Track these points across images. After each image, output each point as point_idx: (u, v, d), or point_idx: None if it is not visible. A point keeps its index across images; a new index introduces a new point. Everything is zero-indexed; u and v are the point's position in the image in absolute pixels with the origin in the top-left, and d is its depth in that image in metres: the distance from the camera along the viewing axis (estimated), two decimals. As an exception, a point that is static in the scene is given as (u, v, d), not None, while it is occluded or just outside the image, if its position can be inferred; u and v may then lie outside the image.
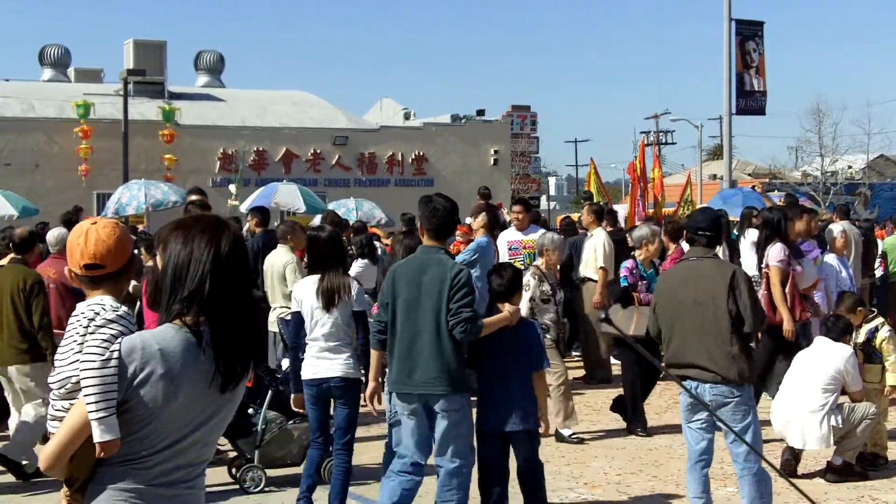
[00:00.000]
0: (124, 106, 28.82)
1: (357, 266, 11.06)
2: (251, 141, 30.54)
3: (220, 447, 7.81)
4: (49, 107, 30.12)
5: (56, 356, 3.10)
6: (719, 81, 27.34)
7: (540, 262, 9.34)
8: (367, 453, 8.65)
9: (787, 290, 9.28)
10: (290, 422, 7.89)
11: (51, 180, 28.21)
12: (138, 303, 8.86)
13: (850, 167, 43.51)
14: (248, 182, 26.71)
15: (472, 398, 6.35)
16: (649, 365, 9.02)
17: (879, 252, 15.32)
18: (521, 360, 6.38)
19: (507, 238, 11.70)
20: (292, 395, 7.08)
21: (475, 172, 33.32)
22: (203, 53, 36.51)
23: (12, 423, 8.39)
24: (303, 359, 6.91)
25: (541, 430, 6.48)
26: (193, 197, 10.32)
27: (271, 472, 7.84)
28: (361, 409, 7.03)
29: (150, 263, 7.39)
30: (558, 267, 9.97)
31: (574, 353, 14.10)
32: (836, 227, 12.13)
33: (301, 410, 7.16)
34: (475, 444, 6.34)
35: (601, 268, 12.17)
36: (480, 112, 37.26)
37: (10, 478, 8.25)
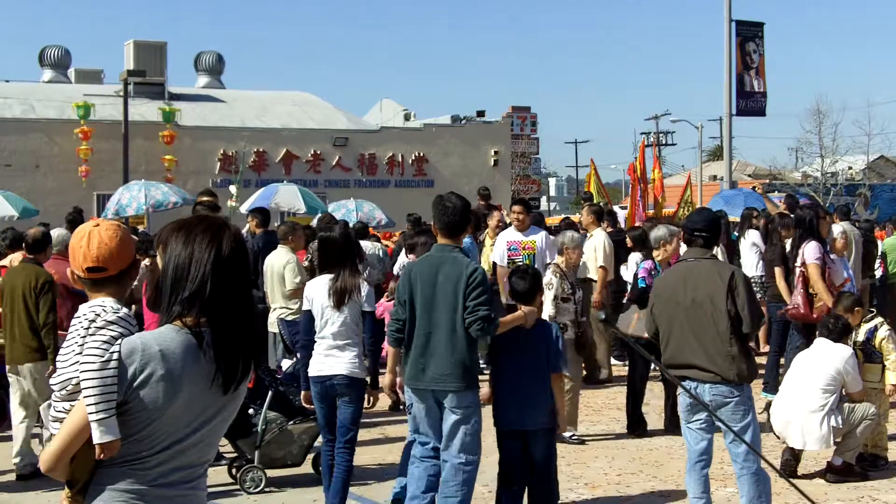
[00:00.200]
0: (124, 107, 28.83)
1: None
2: (251, 142, 30.54)
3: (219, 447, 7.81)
4: (49, 108, 30.14)
5: (58, 357, 3.11)
6: (719, 82, 27.37)
7: (559, 260, 9.37)
8: (367, 453, 8.65)
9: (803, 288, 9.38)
10: (290, 422, 7.89)
11: (51, 181, 28.23)
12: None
13: (850, 168, 43.53)
14: (249, 183, 26.72)
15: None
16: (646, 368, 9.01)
17: (879, 253, 15.32)
18: (539, 360, 6.48)
19: (507, 238, 11.65)
20: (302, 393, 7.16)
21: (475, 173, 33.33)
22: (203, 54, 36.52)
23: (19, 427, 8.36)
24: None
25: (558, 430, 6.60)
26: (204, 198, 10.18)
27: (271, 473, 7.84)
28: (365, 410, 7.09)
29: (144, 262, 7.37)
30: (578, 265, 9.92)
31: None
32: (837, 228, 12.12)
33: (310, 406, 7.22)
34: (482, 442, 6.42)
35: (601, 267, 12.17)
36: (481, 113, 37.29)
37: (10, 477, 8.25)
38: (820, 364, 7.93)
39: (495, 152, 34.74)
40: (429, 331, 6.19)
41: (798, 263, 9.61)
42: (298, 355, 7.97)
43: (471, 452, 6.20)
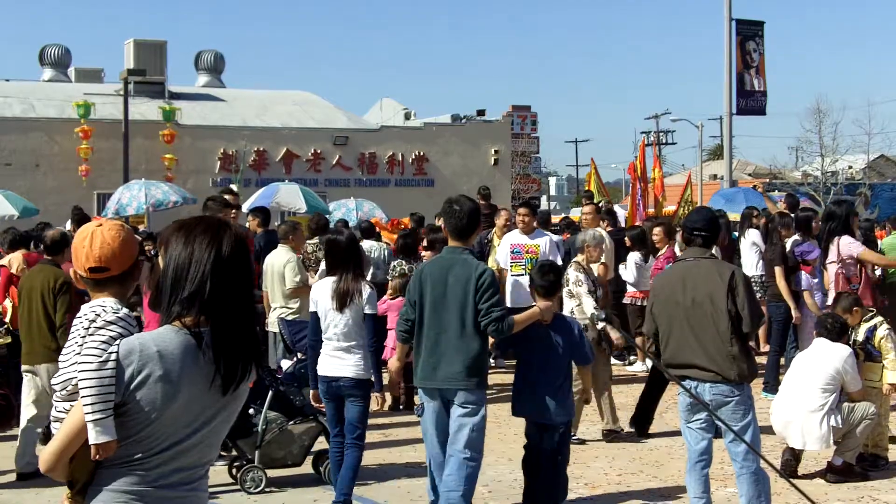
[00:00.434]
0: (125, 106, 28.82)
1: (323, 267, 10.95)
2: (251, 141, 30.53)
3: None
4: (49, 107, 30.14)
5: (60, 357, 3.11)
6: (720, 81, 27.35)
7: (581, 258, 9.38)
8: (367, 454, 8.65)
9: (861, 278, 9.40)
10: (291, 422, 7.89)
11: (51, 180, 28.23)
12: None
13: (850, 167, 43.53)
14: (249, 182, 26.72)
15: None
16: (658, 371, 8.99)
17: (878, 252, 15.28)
18: (557, 354, 6.68)
19: (511, 241, 11.46)
20: (311, 392, 7.30)
21: (475, 172, 33.31)
22: (203, 53, 36.50)
23: (27, 426, 8.35)
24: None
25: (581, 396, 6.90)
26: (230, 196, 9.74)
27: (272, 473, 7.84)
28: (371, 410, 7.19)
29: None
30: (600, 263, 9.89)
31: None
32: (837, 228, 12.13)
33: (320, 405, 7.35)
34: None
35: (602, 264, 12.17)
36: (481, 112, 37.28)
37: (10, 477, 8.26)
38: (819, 364, 7.93)
39: (495, 151, 34.72)
40: (439, 331, 6.35)
41: (832, 259, 9.56)
42: (299, 355, 7.99)
43: (475, 449, 6.32)
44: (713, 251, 6.61)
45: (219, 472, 7.84)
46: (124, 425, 2.84)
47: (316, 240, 12.29)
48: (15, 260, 10.30)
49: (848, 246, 9.64)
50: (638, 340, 12.27)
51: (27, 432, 8.29)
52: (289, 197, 19.41)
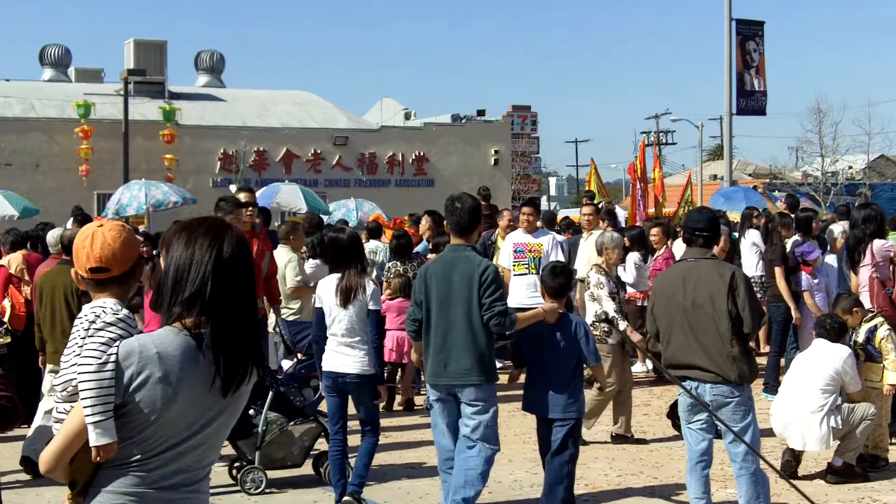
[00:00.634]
0: (125, 106, 28.82)
1: (309, 266, 10.97)
2: (252, 141, 30.52)
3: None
4: (49, 107, 30.13)
5: (61, 358, 3.11)
6: (720, 81, 27.40)
7: (600, 260, 9.38)
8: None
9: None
10: (291, 423, 7.89)
11: (51, 180, 28.22)
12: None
13: (850, 167, 43.54)
14: (249, 182, 26.70)
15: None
16: None
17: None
18: (561, 354, 6.76)
19: (514, 240, 11.35)
20: (319, 384, 7.45)
21: (476, 173, 33.31)
22: (203, 53, 36.49)
23: (44, 417, 8.35)
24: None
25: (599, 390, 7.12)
26: (242, 196, 9.64)
27: (272, 474, 7.84)
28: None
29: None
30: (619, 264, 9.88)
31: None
32: (837, 228, 12.14)
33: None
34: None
35: (593, 265, 12.14)
36: (481, 112, 37.27)
37: (15, 476, 8.26)
38: (819, 364, 7.92)
39: (496, 151, 34.72)
40: (446, 328, 6.45)
41: (867, 262, 9.56)
42: (300, 356, 7.98)
43: (491, 442, 6.45)
44: (714, 252, 6.59)
45: (219, 473, 7.84)
46: (124, 427, 2.84)
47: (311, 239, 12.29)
48: (14, 260, 10.30)
49: (883, 248, 9.65)
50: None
51: (42, 428, 8.27)
52: (289, 197, 19.42)
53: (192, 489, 2.94)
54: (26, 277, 10.00)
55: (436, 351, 6.50)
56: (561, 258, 11.05)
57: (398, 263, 11.31)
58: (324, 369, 7.13)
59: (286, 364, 8.14)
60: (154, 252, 10.61)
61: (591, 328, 7.78)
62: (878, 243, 9.64)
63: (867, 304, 9.30)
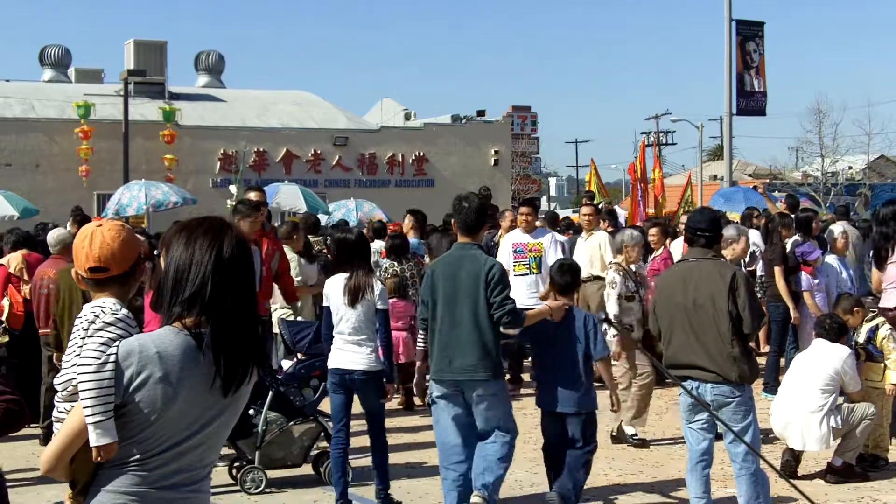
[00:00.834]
0: (125, 106, 28.82)
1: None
2: (252, 141, 30.52)
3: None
4: (49, 107, 30.13)
5: (63, 358, 3.11)
6: (720, 82, 27.37)
7: (620, 259, 9.37)
8: (367, 454, 8.65)
9: None
10: (291, 423, 7.89)
11: (51, 181, 28.22)
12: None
13: (850, 168, 43.54)
14: (249, 182, 26.67)
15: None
16: None
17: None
18: (570, 348, 6.84)
19: (513, 240, 11.27)
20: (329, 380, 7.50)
21: (476, 173, 33.30)
22: (203, 54, 36.49)
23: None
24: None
25: (613, 409, 7.13)
26: (252, 196, 9.54)
27: (272, 474, 7.84)
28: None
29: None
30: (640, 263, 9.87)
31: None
32: (837, 228, 12.14)
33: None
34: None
35: (611, 263, 12.14)
36: (481, 112, 37.27)
37: (15, 476, 8.25)
38: (818, 364, 7.93)
39: (496, 152, 34.72)
40: (452, 325, 6.54)
41: (895, 259, 9.57)
42: (300, 355, 7.99)
43: (507, 431, 6.58)
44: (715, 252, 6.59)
45: (219, 473, 7.84)
46: (125, 426, 2.84)
47: (308, 238, 12.31)
48: (14, 260, 10.30)
49: None
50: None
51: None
52: (289, 197, 19.44)
53: (192, 489, 2.94)
54: (26, 277, 10.01)
55: (441, 347, 6.58)
56: (561, 257, 11.03)
57: (395, 264, 11.33)
58: (330, 367, 7.20)
59: (286, 364, 8.14)
60: (154, 252, 10.62)
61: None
62: None
63: (892, 303, 9.29)
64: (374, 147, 32.73)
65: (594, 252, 12.27)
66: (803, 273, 11.04)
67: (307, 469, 8.07)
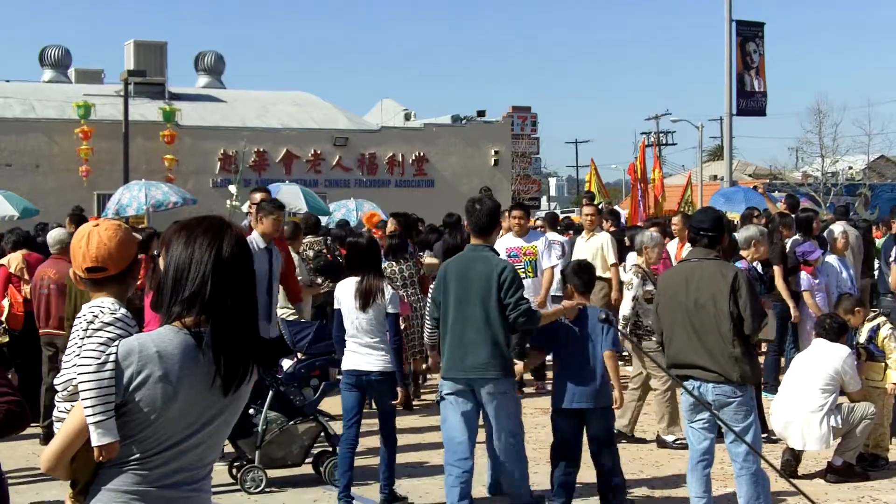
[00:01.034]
0: (125, 107, 28.82)
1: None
2: (252, 142, 30.51)
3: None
4: (49, 107, 30.13)
5: (63, 358, 3.11)
6: (720, 82, 27.36)
7: (640, 260, 9.36)
8: (368, 454, 8.65)
9: None
10: (291, 422, 7.89)
11: (51, 181, 28.22)
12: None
13: (850, 168, 43.53)
14: (249, 183, 26.67)
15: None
16: None
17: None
18: (582, 344, 6.92)
19: (506, 245, 11.09)
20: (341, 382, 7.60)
21: (476, 173, 33.31)
22: (203, 54, 36.49)
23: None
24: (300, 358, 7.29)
25: (614, 406, 7.05)
26: (258, 196, 9.44)
27: (272, 473, 7.84)
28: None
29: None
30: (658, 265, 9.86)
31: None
32: (837, 228, 12.14)
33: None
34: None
35: (613, 265, 12.14)
36: (481, 113, 37.26)
37: (15, 476, 8.25)
38: (818, 364, 7.93)
39: (496, 152, 34.72)
40: (463, 325, 6.64)
41: None
42: (300, 355, 7.99)
43: (514, 433, 6.68)
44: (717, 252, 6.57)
45: (219, 473, 7.84)
46: (125, 426, 2.84)
47: (308, 238, 12.31)
48: (14, 259, 10.30)
49: None
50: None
51: None
52: (289, 197, 19.41)
53: (193, 488, 2.94)
54: (26, 277, 10.01)
55: (453, 346, 6.68)
56: (556, 259, 11.04)
57: (393, 263, 11.32)
58: (345, 368, 7.31)
59: (286, 364, 8.14)
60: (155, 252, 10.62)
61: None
62: None
63: None
64: (375, 147, 32.73)
65: (596, 253, 12.27)
66: (803, 272, 11.04)
67: (307, 468, 8.07)
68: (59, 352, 8.90)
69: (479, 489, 7.34)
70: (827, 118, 40.11)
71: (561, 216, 19.18)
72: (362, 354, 7.23)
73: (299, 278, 10.26)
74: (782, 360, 11.33)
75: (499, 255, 7.26)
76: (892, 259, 9.92)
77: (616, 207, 20.56)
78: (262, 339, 3.08)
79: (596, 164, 22.28)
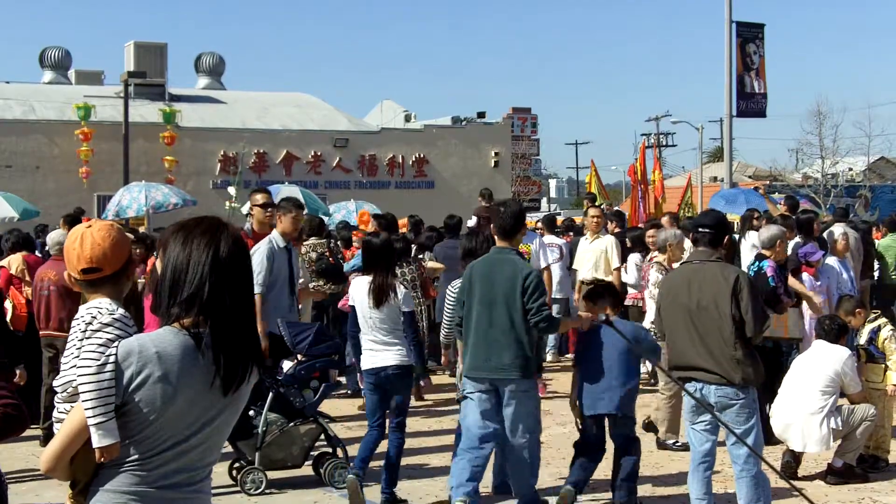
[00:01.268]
0: (125, 108, 28.83)
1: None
2: (252, 143, 30.52)
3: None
4: (50, 109, 30.13)
5: (62, 359, 3.11)
6: (720, 84, 27.36)
7: (662, 258, 9.39)
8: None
9: None
10: (291, 424, 7.88)
11: (51, 182, 28.23)
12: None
13: (850, 169, 43.50)
14: (249, 184, 26.69)
15: None
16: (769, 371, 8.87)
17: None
18: (600, 352, 7.05)
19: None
20: (358, 375, 7.87)
21: (476, 174, 33.31)
22: (203, 55, 36.52)
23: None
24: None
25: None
26: (259, 197, 9.42)
27: (272, 474, 7.83)
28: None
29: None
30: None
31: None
32: (838, 230, 12.13)
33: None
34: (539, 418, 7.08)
35: (616, 269, 12.14)
36: (481, 114, 37.24)
37: (14, 476, 8.25)
38: (818, 366, 7.92)
39: (496, 153, 34.73)
40: (488, 326, 6.78)
41: None
42: (300, 357, 7.98)
43: (531, 430, 6.85)
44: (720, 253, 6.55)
45: (219, 474, 7.83)
46: (125, 426, 2.84)
47: (312, 240, 12.30)
48: (14, 261, 10.30)
49: None
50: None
51: None
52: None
53: (193, 489, 2.94)
54: (27, 278, 10.00)
55: (476, 346, 6.82)
56: (551, 260, 11.03)
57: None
58: (364, 368, 7.46)
59: (286, 365, 8.13)
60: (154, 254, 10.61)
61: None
62: None
63: None
64: (375, 149, 32.74)
65: (600, 256, 12.27)
66: (805, 274, 11.03)
67: (307, 470, 8.06)
68: (60, 353, 8.89)
69: (485, 490, 7.32)
70: (827, 120, 40.14)
71: (563, 218, 19.18)
72: (378, 351, 7.37)
73: (300, 281, 10.25)
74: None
75: (524, 257, 7.47)
76: None
77: (616, 209, 20.55)
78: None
79: (596, 166, 22.27)
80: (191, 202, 20.48)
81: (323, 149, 31.86)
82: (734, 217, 16.78)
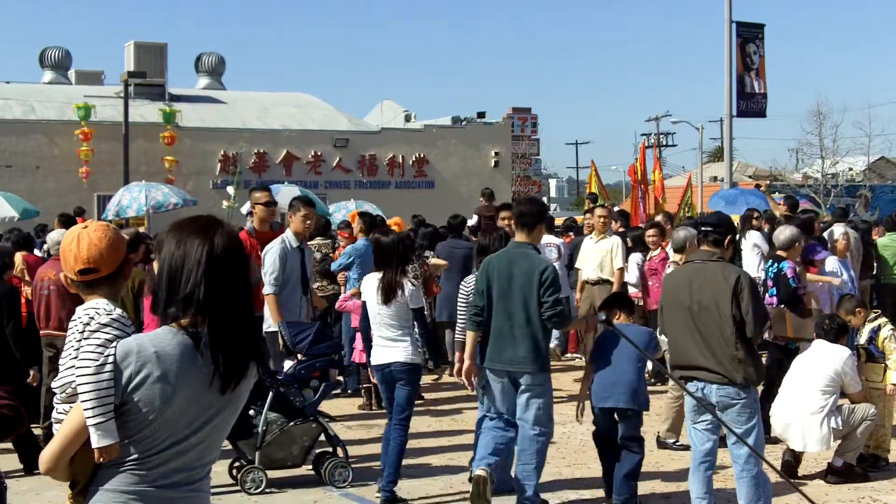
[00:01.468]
0: (125, 108, 28.83)
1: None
2: (252, 143, 30.52)
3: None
4: (50, 109, 30.13)
5: (60, 360, 3.11)
6: (720, 84, 27.40)
7: (678, 258, 9.52)
8: (367, 456, 8.65)
9: None
10: (291, 423, 7.88)
11: (51, 182, 28.23)
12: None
13: (850, 169, 43.49)
14: (249, 184, 26.67)
15: None
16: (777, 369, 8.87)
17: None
18: (610, 351, 7.18)
19: None
20: (370, 369, 7.91)
21: (476, 174, 33.32)
22: (204, 55, 36.52)
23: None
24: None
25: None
26: (259, 195, 9.42)
27: (272, 474, 7.83)
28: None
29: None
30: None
31: (577, 356, 14.08)
32: (838, 230, 12.13)
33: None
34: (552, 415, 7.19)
35: (619, 269, 12.14)
36: (481, 114, 37.23)
37: (14, 477, 8.24)
38: (818, 365, 7.92)
39: (496, 153, 34.73)
40: (505, 319, 6.94)
41: None
42: (300, 356, 7.99)
43: (543, 425, 6.94)
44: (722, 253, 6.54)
45: (219, 473, 7.83)
46: (124, 426, 2.84)
47: (317, 241, 12.30)
48: (14, 261, 10.29)
49: None
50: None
51: None
52: (288, 199, 19.37)
53: (193, 488, 2.94)
54: (27, 278, 10.00)
55: (495, 339, 6.99)
56: (550, 258, 11.03)
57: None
58: (373, 363, 7.58)
59: (287, 364, 8.14)
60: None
61: None
62: None
63: None
64: (375, 149, 32.73)
65: (605, 256, 12.27)
66: (808, 273, 11.02)
67: (307, 469, 8.06)
68: (60, 352, 8.88)
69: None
70: (827, 119, 40.13)
71: (564, 218, 19.16)
72: (386, 347, 7.47)
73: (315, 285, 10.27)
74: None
75: (541, 253, 7.55)
76: None
77: (620, 209, 20.55)
78: (257, 337, 3.08)
79: (596, 166, 22.26)
80: (191, 202, 20.48)
81: (323, 149, 31.86)
82: (734, 217, 16.75)
